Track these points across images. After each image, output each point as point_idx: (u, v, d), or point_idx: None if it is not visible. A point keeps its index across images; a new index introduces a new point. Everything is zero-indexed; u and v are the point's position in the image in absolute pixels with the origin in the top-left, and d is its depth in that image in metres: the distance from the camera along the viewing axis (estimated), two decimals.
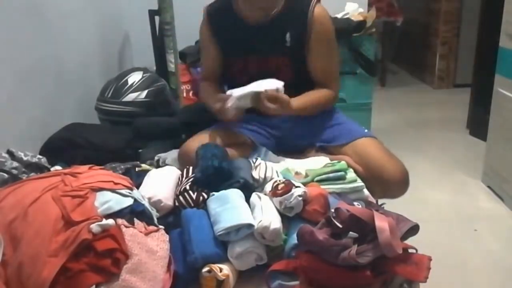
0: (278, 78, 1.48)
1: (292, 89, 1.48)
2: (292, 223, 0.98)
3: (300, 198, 0.97)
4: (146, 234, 0.90)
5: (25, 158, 1.22)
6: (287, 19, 1.50)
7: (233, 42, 1.56)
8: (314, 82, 1.55)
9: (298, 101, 1.45)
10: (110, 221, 0.85)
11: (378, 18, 2.99)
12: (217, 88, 1.63)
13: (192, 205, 1.03)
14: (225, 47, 1.59)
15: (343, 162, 1.25)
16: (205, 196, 1.04)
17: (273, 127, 1.57)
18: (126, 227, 0.87)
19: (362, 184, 1.18)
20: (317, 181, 1.15)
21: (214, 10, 1.60)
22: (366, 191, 1.18)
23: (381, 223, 0.82)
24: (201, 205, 1.04)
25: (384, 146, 1.48)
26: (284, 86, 1.44)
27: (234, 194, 1.02)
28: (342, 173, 1.18)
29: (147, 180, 1.15)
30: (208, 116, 1.55)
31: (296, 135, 1.55)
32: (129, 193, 0.95)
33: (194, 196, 1.04)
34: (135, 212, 0.92)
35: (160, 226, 0.95)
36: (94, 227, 0.82)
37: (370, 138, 1.50)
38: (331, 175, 1.17)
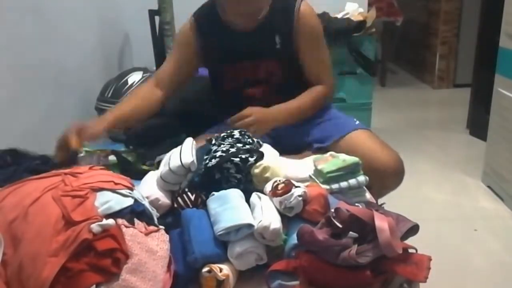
0: (270, 82, 1.50)
1: (285, 92, 1.49)
2: (292, 223, 0.98)
3: (300, 198, 0.97)
4: (146, 234, 0.90)
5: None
6: (274, 21, 1.49)
7: (221, 50, 1.53)
8: (308, 81, 1.55)
9: (290, 105, 1.47)
10: (111, 221, 0.85)
11: (378, 18, 2.99)
12: (146, 100, 1.53)
13: (191, 206, 1.03)
14: (213, 54, 1.56)
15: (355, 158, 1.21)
16: (204, 197, 1.04)
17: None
18: (126, 227, 0.87)
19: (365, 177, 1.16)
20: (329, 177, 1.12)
21: (201, 17, 1.57)
22: (368, 194, 1.17)
23: (381, 223, 0.82)
24: (200, 206, 1.04)
25: (376, 137, 1.47)
26: (276, 89, 1.46)
27: (234, 194, 1.02)
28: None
29: (145, 179, 1.15)
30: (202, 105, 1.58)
31: (289, 135, 1.53)
32: (130, 193, 0.95)
33: (192, 198, 1.04)
34: (135, 212, 0.92)
35: (160, 226, 0.95)
36: (95, 227, 0.82)
37: (361, 130, 1.49)
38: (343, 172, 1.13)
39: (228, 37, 1.52)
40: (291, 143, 1.50)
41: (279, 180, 1.04)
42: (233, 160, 1.07)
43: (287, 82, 1.50)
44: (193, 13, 1.60)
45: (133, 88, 1.87)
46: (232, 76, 1.55)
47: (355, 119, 1.57)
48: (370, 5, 3.12)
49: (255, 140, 1.20)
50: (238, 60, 1.52)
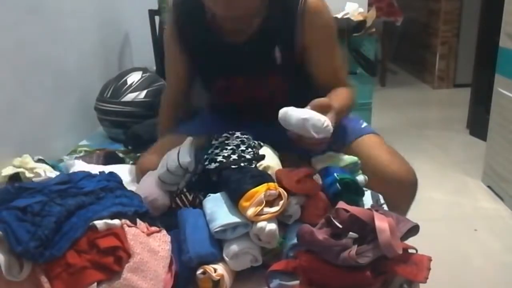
0: (274, 102, 1.12)
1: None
2: (289, 226, 0.98)
3: (298, 205, 0.97)
4: (148, 234, 0.90)
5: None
6: (271, 30, 1.22)
7: (208, 60, 1.30)
8: (321, 87, 1.27)
9: (337, 103, 1.14)
10: (116, 221, 0.85)
11: (378, 18, 2.99)
12: (172, 122, 1.44)
13: (189, 206, 1.03)
14: (198, 64, 1.34)
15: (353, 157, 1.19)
16: (202, 197, 1.04)
17: (259, 136, 1.23)
18: (129, 226, 0.88)
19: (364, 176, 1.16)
20: None
21: (182, 14, 1.30)
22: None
23: (381, 223, 0.82)
24: (198, 206, 1.03)
25: (387, 144, 1.30)
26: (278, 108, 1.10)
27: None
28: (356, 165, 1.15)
29: (144, 179, 1.15)
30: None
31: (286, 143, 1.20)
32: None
33: (190, 198, 1.04)
34: (138, 213, 0.92)
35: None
36: (100, 223, 0.83)
37: (368, 135, 1.30)
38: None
39: (216, 46, 1.27)
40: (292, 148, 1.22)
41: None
42: (233, 168, 1.05)
43: (292, 100, 1.10)
44: (172, 3, 1.35)
45: (132, 88, 1.86)
46: (224, 91, 1.34)
47: (361, 121, 1.39)
48: (370, 5, 3.12)
49: (256, 142, 1.19)
50: (230, 73, 1.30)
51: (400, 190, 1.20)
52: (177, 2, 1.34)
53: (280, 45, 1.23)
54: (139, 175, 1.25)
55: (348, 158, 1.17)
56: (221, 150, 1.11)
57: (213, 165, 1.06)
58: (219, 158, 1.07)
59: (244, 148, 1.12)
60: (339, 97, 1.22)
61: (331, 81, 1.28)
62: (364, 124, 1.38)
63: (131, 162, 1.61)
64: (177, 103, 1.48)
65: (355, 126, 1.33)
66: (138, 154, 1.61)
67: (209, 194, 1.02)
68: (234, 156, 1.08)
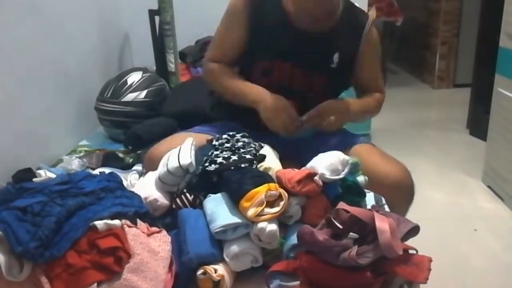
0: (311, 96, 1.37)
1: (311, 105, 1.33)
2: (290, 226, 0.98)
3: (298, 206, 0.97)
4: (149, 235, 0.90)
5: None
6: (339, 36, 1.38)
7: (272, 42, 1.36)
8: (360, 89, 1.51)
9: (355, 105, 1.41)
10: (117, 222, 0.85)
11: (378, 18, 2.99)
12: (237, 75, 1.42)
13: (189, 207, 1.03)
14: (257, 40, 1.38)
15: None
16: (202, 198, 1.04)
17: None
18: (129, 226, 0.88)
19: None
20: None
21: None
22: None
23: (382, 224, 0.82)
24: (198, 206, 1.03)
25: (380, 151, 1.36)
26: (308, 103, 1.32)
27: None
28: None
29: (144, 180, 1.15)
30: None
31: (289, 147, 1.32)
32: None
33: (190, 198, 1.04)
34: (138, 213, 0.92)
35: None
36: (100, 224, 0.82)
37: (361, 145, 1.37)
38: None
39: (285, 31, 1.35)
40: (291, 155, 1.29)
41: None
42: (233, 169, 1.05)
43: (325, 98, 1.36)
44: None
45: (132, 88, 1.86)
46: (266, 75, 1.38)
47: (355, 134, 1.50)
48: (370, 5, 3.12)
49: (256, 143, 1.19)
50: (284, 61, 1.36)
51: (397, 194, 1.22)
52: None
53: (341, 52, 1.38)
54: (148, 165, 1.28)
55: (349, 159, 1.17)
56: (221, 152, 1.11)
57: (212, 167, 1.06)
58: (219, 160, 1.07)
59: (244, 150, 1.12)
60: (365, 102, 1.45)
61: (371, 86, 1.49)
62: (359, 137, 1.46)
63: (131, 160, 1.61)
64: (227, 62, 1.43)
65: (347, 137, 1.43)
66: (139, 151, 1.62)
67: (209, 195, 1.02)
68: (234, 157, 1.07)
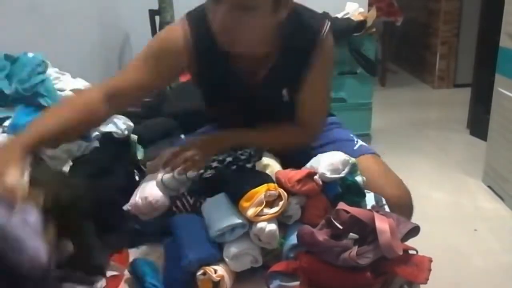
0: (278, 109, 1.23)
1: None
2: (289, 226, 0.98)
3: (298, 206, 0.97)
4: None
5: None
6: (282, 74, 1.18)
7: (215, 86, 1.24)
8: (296, 116, 1.24)
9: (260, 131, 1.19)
10: None
11: (378, 18, 3.00)
12: (87, 115, 1.07)
13: (189, 210, 1.03)
14: (204, 84, 1.28)
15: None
16: (203, 202, 1.04)
17: None
18: None
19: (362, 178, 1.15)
20: None
21: (197, 28, 1.15)
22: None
23: (382, 224, 0.82)
24: (198, 210, 1.03)
25: (382, 165, 1.27)
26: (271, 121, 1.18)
27: (228, 198, 1.01)
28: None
29: (146, 180, 1.15)
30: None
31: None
32: None
33: (191, 202, 1.04)
34: None
35: None
36: None
37: (362, 157, 1.25)
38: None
39: (224, 71, 1.18)
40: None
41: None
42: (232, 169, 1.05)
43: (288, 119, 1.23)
44: (186, 16, 1.18)
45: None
46: (225, 112, 1.31)
47: (356, 141, 1.35)
48: (370, 5, 3.13)
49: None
50: (235, 103, 1.25)
51: (395, 213, 1.16)
52: (196, 18, 1.16)
53: (289, 86, 1.20)
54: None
55: (349, 159, 1.17)
56: (216, 155, 1.11)
57: (209, 172, 1.06)
58: (214, 164, 1.07)
59: (241, 150, 1.12)
60: (275, 134, 1.21)
61: (301, 116, 1.23)
62: (359, 144, 1.33)
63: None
64: (111, 101, 1.10)
65: (347, 149, 1.21)
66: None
67: (207, 199, 1.02)
68: (229, 159, 1.08)
